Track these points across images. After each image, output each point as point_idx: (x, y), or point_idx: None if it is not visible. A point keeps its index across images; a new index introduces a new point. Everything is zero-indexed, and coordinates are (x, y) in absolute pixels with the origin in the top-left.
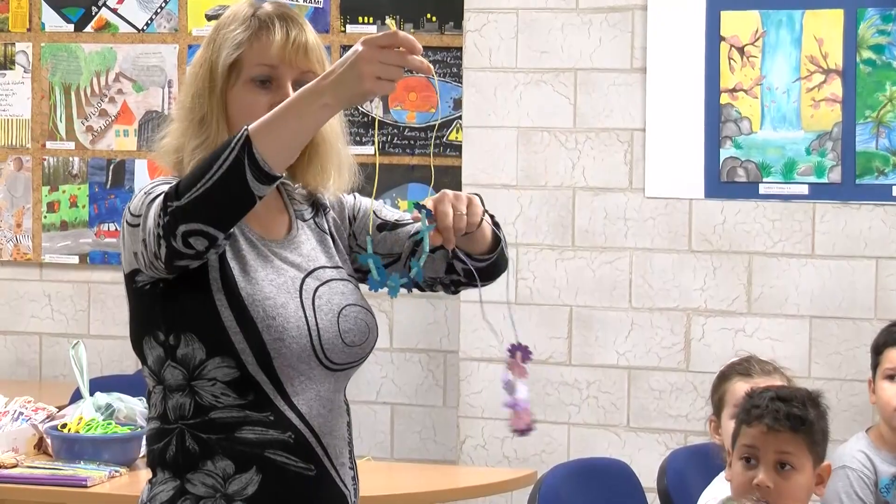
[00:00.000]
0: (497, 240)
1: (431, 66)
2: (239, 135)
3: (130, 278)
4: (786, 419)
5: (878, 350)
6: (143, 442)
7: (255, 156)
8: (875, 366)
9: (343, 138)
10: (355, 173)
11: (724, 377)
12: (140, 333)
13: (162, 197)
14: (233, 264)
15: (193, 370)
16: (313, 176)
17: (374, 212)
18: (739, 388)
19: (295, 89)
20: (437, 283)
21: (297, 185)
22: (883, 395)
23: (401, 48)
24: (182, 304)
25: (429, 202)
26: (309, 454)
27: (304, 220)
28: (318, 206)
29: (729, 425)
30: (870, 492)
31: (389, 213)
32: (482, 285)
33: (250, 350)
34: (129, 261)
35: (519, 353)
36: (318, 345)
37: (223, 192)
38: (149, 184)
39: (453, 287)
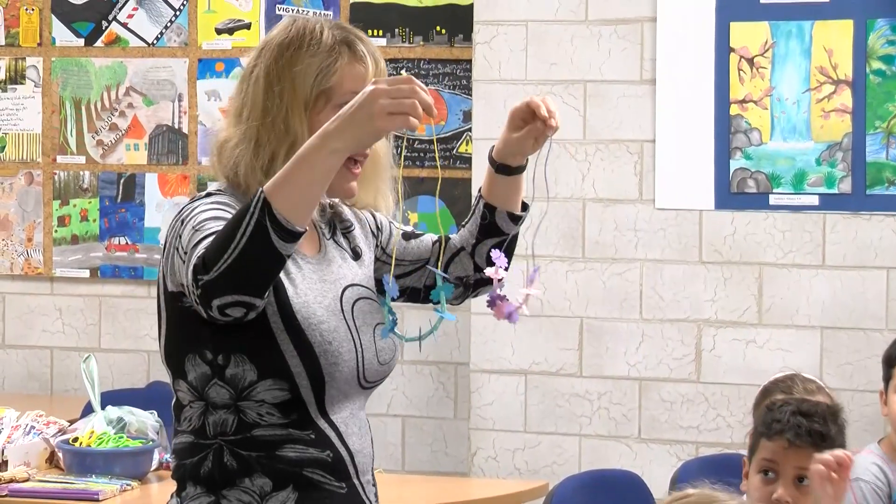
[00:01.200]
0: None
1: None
2: (256, 197)
3: (174, 297)
4: (807, 435)
5: (889, 362)
6: (157, 454)
7: (275, 216)
8: (887, 378)
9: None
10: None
11: (766, 393)
12: (182, 350)
13: (192, 269)
14: (287, 284)
15: (242, 391)
16: (372, 195)
17: (391, 223)
18: None
19: None
20: (461, 285)
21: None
22: (895, 409)
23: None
24: (234, 325)
25: (521, 105)
26: (343, 472)
27: (327, 239)
28: (333, 225)
29: None
30: None
31: (401, 224)
32: (505, 271)
33: (306, 374)
34: (176, 284)
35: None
36: (362, 366)
37: (250, 259)
38: (196, 209)
39: (473, 289)
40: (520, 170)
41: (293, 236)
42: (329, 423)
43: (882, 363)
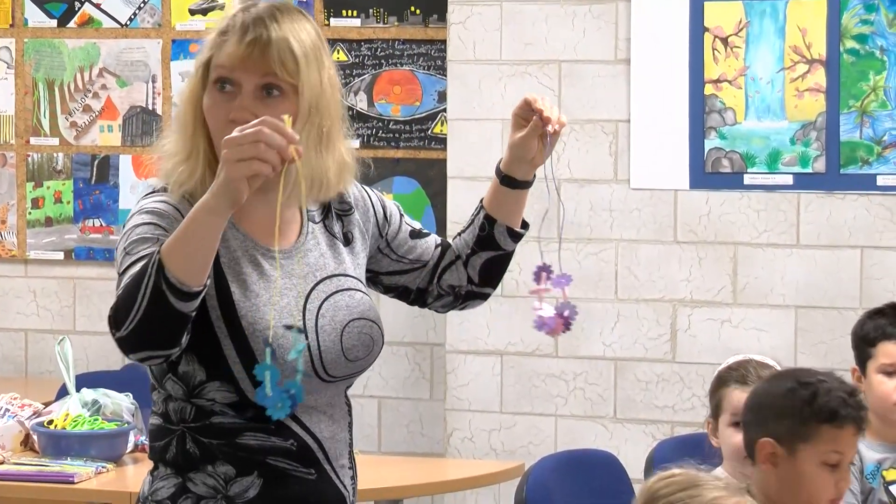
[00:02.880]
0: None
1: (299, 150)
2: (152, 260)
3: None
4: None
5: (869, 342)
6: (132, 437)
7: (170, 279)
8: (864, 357)
9: (330, 142)
10: (354, 167)
11: (721, 382)
12: None
13: (108, 321)
14: (234, 288)
15: (193, 388)
16: (321, 169)
17: (401, 216)
18: (736, 397)
19: (261, 95)
20: (451, 294)
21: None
22: (881, 390)
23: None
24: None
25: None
26: (310, 459)
27: (315, 223)
28: (328, 208)
29: (727, 432)
30: (856, 479)
31: (411, 220)
32: (490, 291)
33: (249, 379)
34: None
35: (543, 274)
36: (320, 365)
37: (154, 320)
38: (131, 223)
39: (462, 301)
40: (525, 185)
41: (190, 296)
42: (291, 415)
43: (859, 340)
